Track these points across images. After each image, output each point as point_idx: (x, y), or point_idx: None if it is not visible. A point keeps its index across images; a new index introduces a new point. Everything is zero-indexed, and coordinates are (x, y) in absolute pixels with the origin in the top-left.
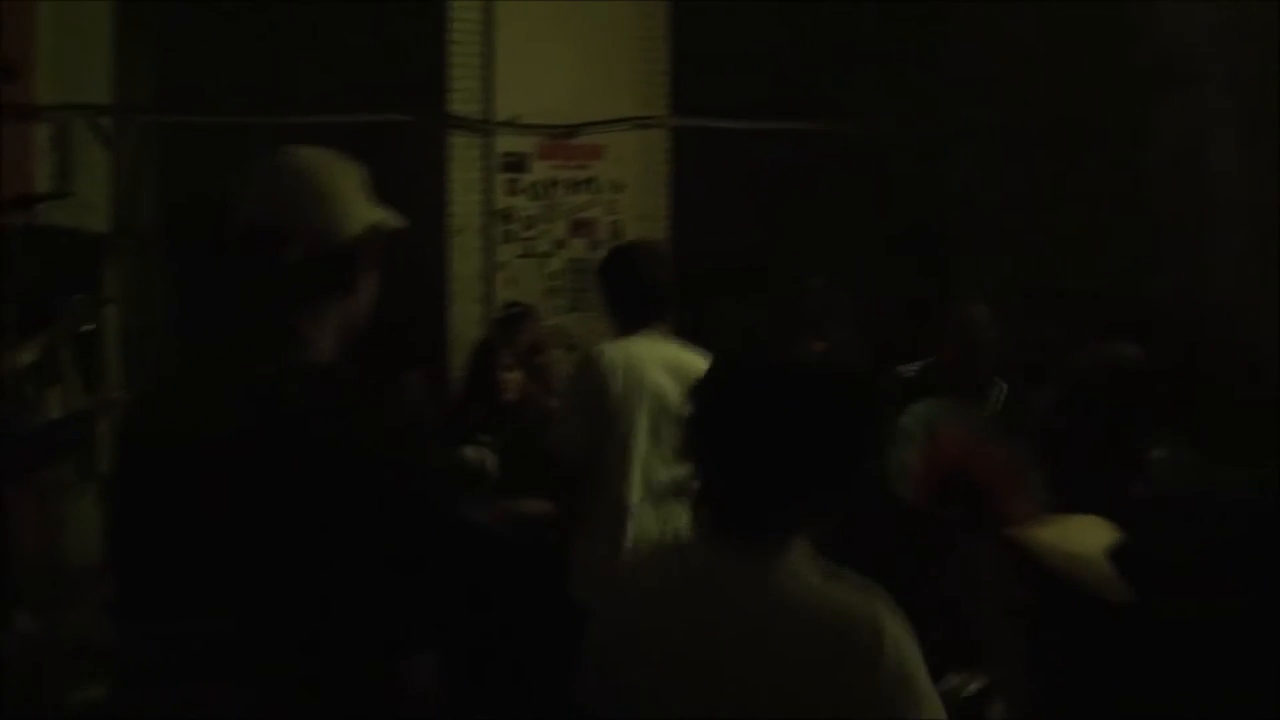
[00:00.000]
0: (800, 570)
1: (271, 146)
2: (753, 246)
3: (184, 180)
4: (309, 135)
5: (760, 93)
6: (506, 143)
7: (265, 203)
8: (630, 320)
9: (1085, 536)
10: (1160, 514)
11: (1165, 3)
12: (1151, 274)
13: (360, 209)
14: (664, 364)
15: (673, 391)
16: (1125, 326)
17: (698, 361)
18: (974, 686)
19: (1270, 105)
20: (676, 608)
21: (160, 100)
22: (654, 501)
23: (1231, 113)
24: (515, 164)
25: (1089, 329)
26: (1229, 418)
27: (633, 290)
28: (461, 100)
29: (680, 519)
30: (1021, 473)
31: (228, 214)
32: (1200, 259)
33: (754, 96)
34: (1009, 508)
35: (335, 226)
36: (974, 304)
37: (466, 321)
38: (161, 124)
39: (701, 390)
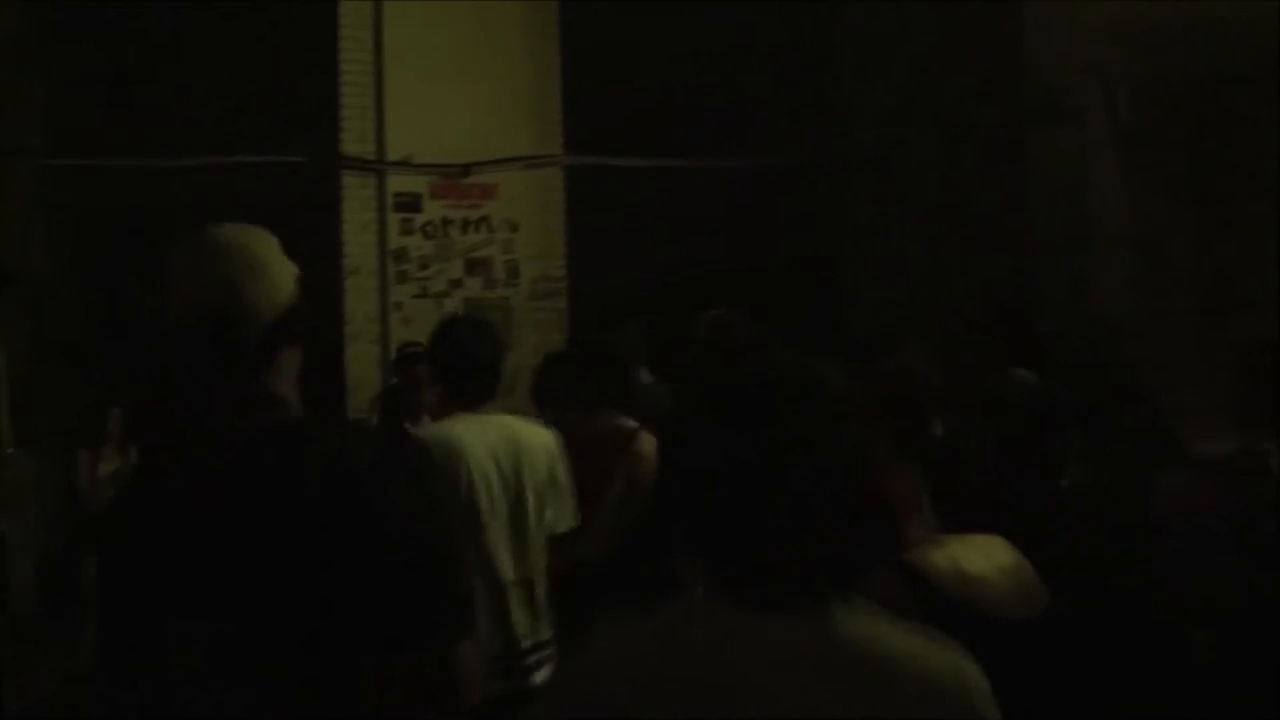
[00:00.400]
0: (867, 623)
1: (165, 190)
2: (652, 281)
3: (76, 225)
4: (202, 176)
5: (657, 128)
6: (399, 182)
7: (211, 289)
8: (459, 397)
9: (982, 557)
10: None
11: (1049, 39)
12: (1036, 301)
13: (288, 271)
14: (493, 446)
15: (503, 477)
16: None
17: (532, 436)
18: None
19: (1147, 139)
20: (711, 683)
21: (50, 143)
22: (497, 592)
23: (1111, 146)
24: (408, 204)
25: (985, 357)
26: (1114, 438)
27: (460, 366)
28: (353, 140)
29: (522, 613)
30: (916, 496)
31: (168, 297)
32: (1082, 285)
33: (651, 132)
34: (907, 531)
35: (277, 296)
36: (912, 355)
37: (363, 363)
38: (52, 168)
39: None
